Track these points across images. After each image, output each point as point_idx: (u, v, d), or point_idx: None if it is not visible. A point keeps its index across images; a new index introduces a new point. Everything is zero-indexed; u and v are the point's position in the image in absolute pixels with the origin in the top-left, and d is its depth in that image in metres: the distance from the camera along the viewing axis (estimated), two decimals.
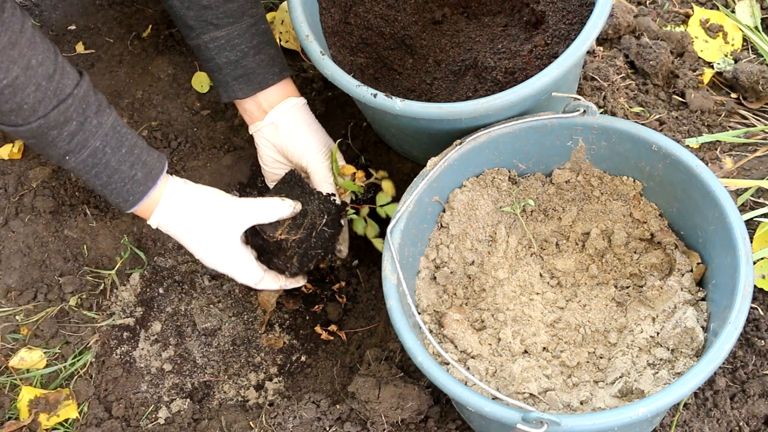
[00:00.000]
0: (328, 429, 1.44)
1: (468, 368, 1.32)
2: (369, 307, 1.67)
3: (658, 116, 1.71)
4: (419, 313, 1.38)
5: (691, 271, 1.39)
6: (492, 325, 1.37)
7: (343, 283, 1.71)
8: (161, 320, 1.68)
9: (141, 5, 2.00)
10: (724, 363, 1.45)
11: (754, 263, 1.44)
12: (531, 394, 1.26)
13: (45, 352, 1.61)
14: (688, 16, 1.85)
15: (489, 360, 1.33)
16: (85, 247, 1.71)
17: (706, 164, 1.49)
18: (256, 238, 1.49)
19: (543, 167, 1.51)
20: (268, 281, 1.51)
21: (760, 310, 1.48)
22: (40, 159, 1.79)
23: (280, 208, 1.46)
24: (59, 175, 1.77)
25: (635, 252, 1.45)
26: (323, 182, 1.53)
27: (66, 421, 1.55)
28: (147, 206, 1.39)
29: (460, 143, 1.42)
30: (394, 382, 1.43)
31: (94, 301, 1.67)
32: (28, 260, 1.69)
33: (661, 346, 1.30)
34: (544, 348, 1.34)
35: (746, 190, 1.60)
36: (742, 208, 1.58)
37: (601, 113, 1.61)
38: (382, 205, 1.50)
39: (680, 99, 1.75)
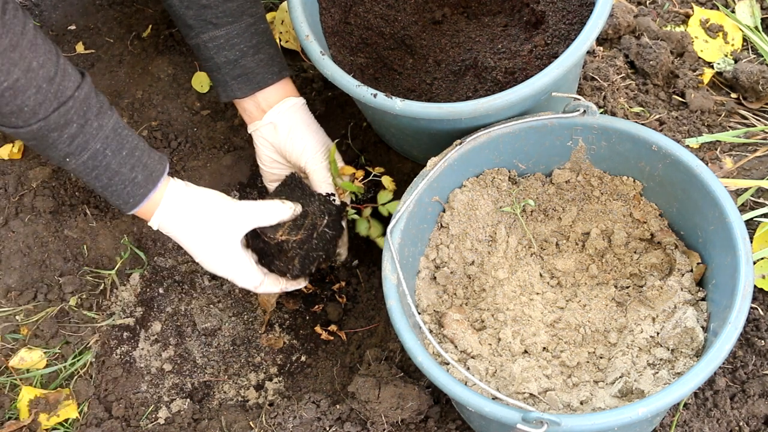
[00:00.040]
0: (328, 429, 1.44)
1: (468, 368, 1.32)
2: (369, 307, 1.67)
3: (658, 116, 1.71)
4: (419, 313, 1.38)
5: (691, 271, 1.39)
6: (492, 325, 1.37)
7: (343, 283, 1.71)
8: (161, 320, 1.68)
9: (141, 5, 2.00)
10: (724, 363, 1.45)
11: (754, 263, 1.44)
12: (531, 394, 1.26)
13: (45, 352, 1.61)
14: (688, 16, 1.85)
15: (489, 360, 1.33)
16: (85, 247, 1.71)
17: (706, 164, 1.49)
18: (257, 240, 1.49)
19: (543, 167, 1.51)
20: (268, 285, 1.50)
21: (760, 310, 1.48)
22: (40, 159, 1.79)
23: (281, 211, 1.45)
24: (59, 175, 1.77)
25: (635, 252, 1.45)
26: (322, 182, 1.52)
27: (66, 421, 1.55)
28: (148, 208, 1.39)
29: (460, 143, 1.42)
30: (394, 382, 1.43)
31: (94, 301, 1.67)
32: (28, 260, 1.69)
33: (661, 346, 1.30)
34: (544, 348, 1.34)
35: (746, 190, 1.60)
36: (742, 208, 1.58)
37: (601, 113, 1.61)
38: (384, 204, 1.50)
39: (680, 99, 1.75)
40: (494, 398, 1.22)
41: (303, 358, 1.65)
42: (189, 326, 1.68)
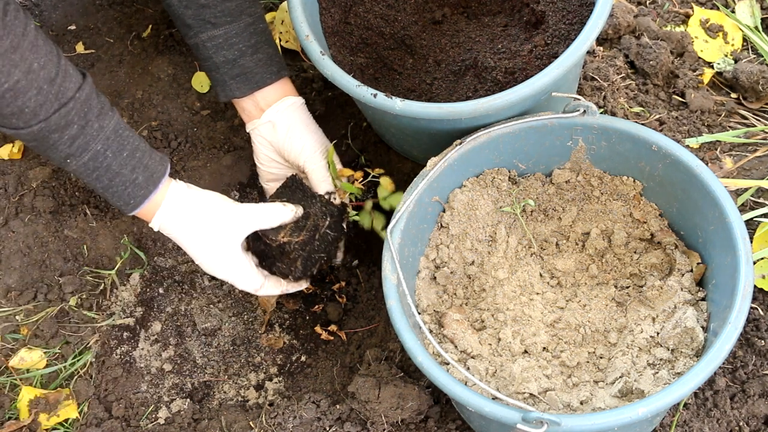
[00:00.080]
0: (328, 429, 1.44)
1: (468, 368, 1.32)
2: (369, 307, 1.67)
3: (658, 116, 1.71)
4: (419, 313, 1.38)
5: (691, 271, 1.39)
6: (492, 325, 1.37)
7: (343, 283, 1.71)
8: (161, 320, 1.68)
9: (141, 5, 2.00)
10: (724, 363, 1.45)
11: (754, 263, 1.44)
12: (531, 394, 1.26)
13: (45, 352, 1.61)
14: (688, 16, 1.85)
15: (489, 360, 1.33)
16: (85, 247, 1.71)
17: (706, 164, 1.49)
18: (258, 243, 1.49)
19: (543, 167, 1.51)
20: (269, 287, 1.50)
21: (760, 310, 1.48)
22: (40, 159, 1.79)
23: (282, 213, 1.45)
24: (59, 175, 1.77)
25: (635, 252, 1.45)
26: (321, 181, 1.52)
27: (66, 421, 1.55)
28: (148, 209, 1.38)
29: (460, 143, 1.42)
30: (394, 382, 1.43)
31: (94, 301, 1.67)
32: (28, 260, 1.69)
33: (661, 346, 1.30)
34: (544, 348, 1.34)
35: (746, 190, 1.60)
36: (742, 208, 1.58)
37: (601, 113, 1.61)
38: (385, 198, 1.49)
39: (680, 99, 1.75)
40: (494, 398, 1.22)
41: (303, 358, 1.65)
42: (189, 326, 1.68)
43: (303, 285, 1.55)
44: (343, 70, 1.46)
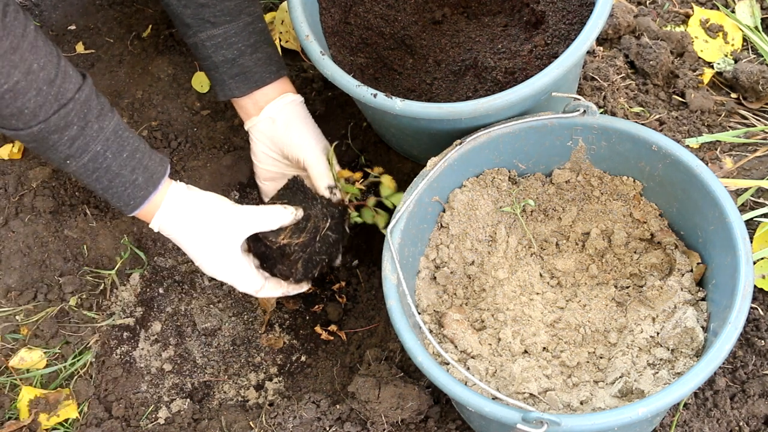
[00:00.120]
0: (328, 429, 1.44)
1: (468, 368, 1.32)
2: (369, 307, 1.67)
3: (658, 116, 1.71)
4: (419, 313, 1.38)
5: (691, 271, 1.39)
6: (492, 325, 1.37)
7: (343, 283, 1.71)
8: (161, 320, 1.68)
9: (141, 5, 2.00)
10: (724, 363, 1.45)
11: (754, 263, 1.44)
12: (531, 394, 1.26)
13: (45, 352, 1.61)
14: (688, 16, 1.85)
15: (489, 360, 1.33)
16: (85, 247, 1.71)
17: (706, 164, 1.49)
18: (259, 244, 1.48)
19: (543, 167, 1.51)
20: (269, 289, 1.49)
21: (760, 310, 1.48)
22: (40, 159, 1.79)
23: (282, 216, 1.45)
24: (59, 175, 1.77)
25: (635, 252, 1.45)
26: (321, 175, 1.51)
27: (66, 421, 1.55)
28: (148, 210, 1.38)
29: (460, 143, 1.42)
30: (394, 382, 1.43)
31: (94, 301, 1.67)
32: (28, 260, 1.69)
33: (661, 346, 1.30)
34: (544, 348, 1.34)
35: (746, 190, 1.60)
36: (742, 208, 1.58)
37: (601, 113, 1.61)
38: (387, 197, 1.48)
39: (680, 99, 1.75)
40: (494, 398, 1.22)
41: (303, 358, 1.65)
42: (189, 326, 1.68)
43: (304, 287, 1.55)
44: (343, 70, 1.46)
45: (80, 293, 1.67)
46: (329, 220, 1.48)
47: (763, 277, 1.48)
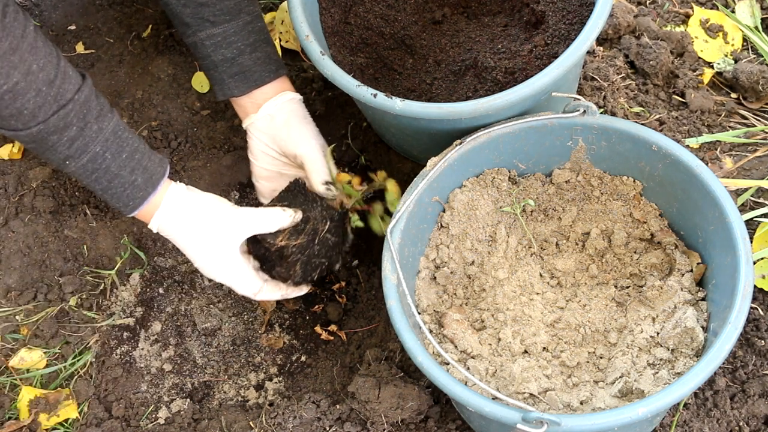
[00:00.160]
0: (328, 429, 1.44)
1: (468, 368, 1.32)
2: (369, 307, 1.67)
3: (658, 116, 1.71)
4: (419, 313, 1.38)
5: (691, 271, 1.39)
6: (492, 325, 1.37)
7: (343, 283, 1.71)
8: (161, 320, 1.68)
9: (141, 5, 2.00)
10: (724, 363, 1.45)
11: (754, 263, 1.44)
12: (531, 394, 1.26)
13: (45, 352, 1.61)
14: (688, 16, 1.85)
15: (489, 360, 1.33)
16: (85, 247, 1.71)
17: (706, 164, 1.49)
18: (258, 246, 1.48)
19: (543, 167, 1.51)
20: (268, 291, 1.49)
21: (760, 310, 1.48)
22: (40, 159, 1.79)
23: (280, 218, 1.44)
24: (59, 175, 1.77)
25: (635, 252, 1.45)
26: (317, 170, 1.50)
27: (66, 421, 1.55)
28: (147, 211, 1.38)
29: (460, 143, 1.42)
30: (394, 382, 1.43)
31: (94, 301, 1.67)
32: (28, 260, 1.69)
33: (661, 346, 1.30)
34: (544, 348, 1.34)
35: (746, 190, 1.60)
36: (742, 208, 1.58)
37: (601, 113, 1.61)
38: (393, 202, 1.47)
39: (680, 99, 1.75)
40: (494, 398, 1.22)
41: (303, 358, 1.65)
42: (189, 326, 1.68)
43: (304, 290, 1.54)
44: (343, 70, 1.46)
45: (80, 293, 1.67)
46: (328, 223, 1.47)
47: (763, 277, 1.48)
